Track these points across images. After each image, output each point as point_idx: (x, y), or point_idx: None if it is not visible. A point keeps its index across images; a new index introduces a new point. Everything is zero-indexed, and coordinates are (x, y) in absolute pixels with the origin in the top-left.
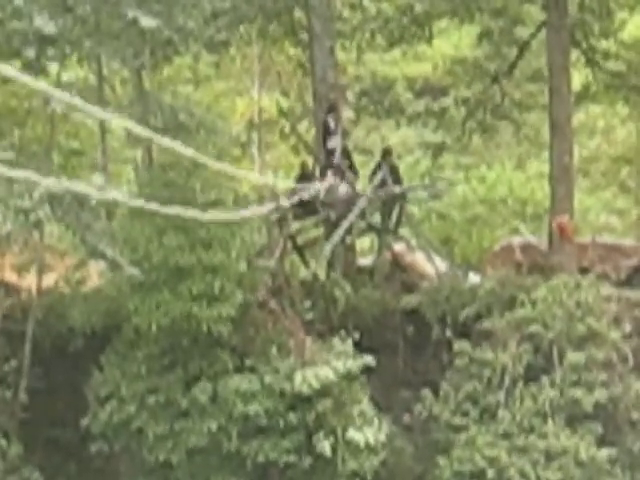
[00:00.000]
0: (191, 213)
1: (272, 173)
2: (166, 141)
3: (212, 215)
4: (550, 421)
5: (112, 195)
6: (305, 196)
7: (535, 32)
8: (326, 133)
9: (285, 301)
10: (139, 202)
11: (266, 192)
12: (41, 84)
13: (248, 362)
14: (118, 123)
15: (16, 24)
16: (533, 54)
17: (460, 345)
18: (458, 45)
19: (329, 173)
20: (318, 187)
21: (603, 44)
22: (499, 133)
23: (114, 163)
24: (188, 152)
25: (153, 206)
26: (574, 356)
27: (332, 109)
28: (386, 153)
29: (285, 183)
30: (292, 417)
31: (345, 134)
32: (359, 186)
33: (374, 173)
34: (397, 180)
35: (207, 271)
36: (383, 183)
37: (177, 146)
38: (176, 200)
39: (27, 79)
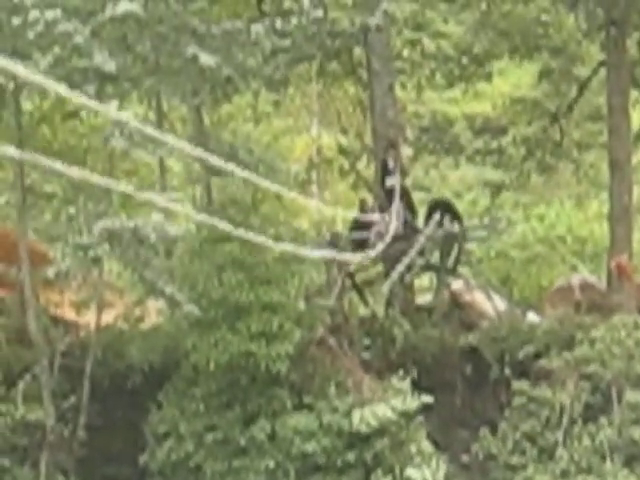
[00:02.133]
0: (262, 239)
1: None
2: (228, 166)
3: (284, 246)
4: (608, 461)
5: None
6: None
7: (594, 71)
8: (385, 172)
9: (343, 339)
10: (206, 217)
11: (325, 229)
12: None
13: (306, 400)
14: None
15: (76, 62)
16: (592, 93)
17: (518, 384)
18: (518, 84)
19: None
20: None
21: None
22: (558, 172)
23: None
24: (253, 177)
25: (224, 225)
26: (633, 396)
27: (391, 147)
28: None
29: (346, 213)
30: (350, 455)
31: (404, 173)
32: (418, 224)
33: (430, 213)
34: (456, 219)
35: (266, 309)
36: (441, 222)
37: (241, 172)
38: (234, 238)
39: (99, 106)
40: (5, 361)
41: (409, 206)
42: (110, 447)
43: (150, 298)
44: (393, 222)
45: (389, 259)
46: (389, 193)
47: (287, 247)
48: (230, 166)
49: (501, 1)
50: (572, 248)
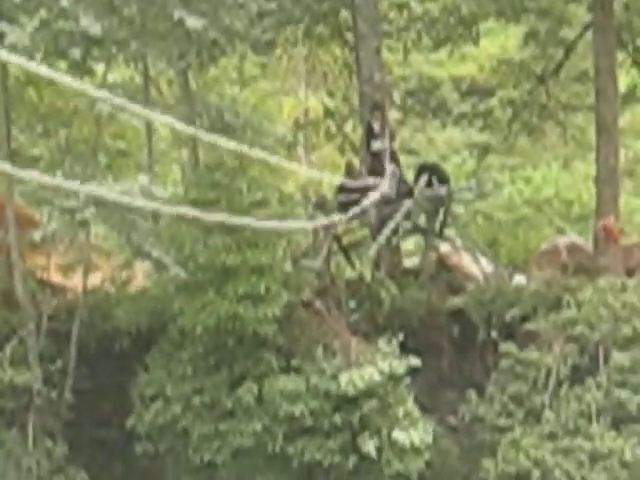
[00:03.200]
0: (247, 221)
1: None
2: (213, 138)
3: (264, 223)
4: (595, 423)
5: (152, 205)
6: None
7: (581, 33)
8: (370, 135)
9: (331, 302)
10: (185, 209)
11: (312, 192)
12: (87, 85)
13: (293, 363)
14: (164, 123)
15: (62, 25)
16: (579, 55)
17: (505, 346)
18: (504, 46)
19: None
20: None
21: None
22: (545, 134)
23: (160, 164)
24: (236, 146)
25: (204, 215)
26: (620, 357)
27: (376, 110)
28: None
29: (333, 178)
30: (337, 418)
31: (393, 136)
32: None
33: (418, 175)
34: (443, 181)
35: (253, 271)
36: (429, 184)
37: (227, 143)
38: (222, 200)
39: (68, 80)
40: None
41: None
42: (97, 410)
43: (137, 261)
44: (385, 185)
45: (377, 221)
46: (375, 156)
47: (273, 225)
48: (213, 137)
49: None
50: (559, 210)
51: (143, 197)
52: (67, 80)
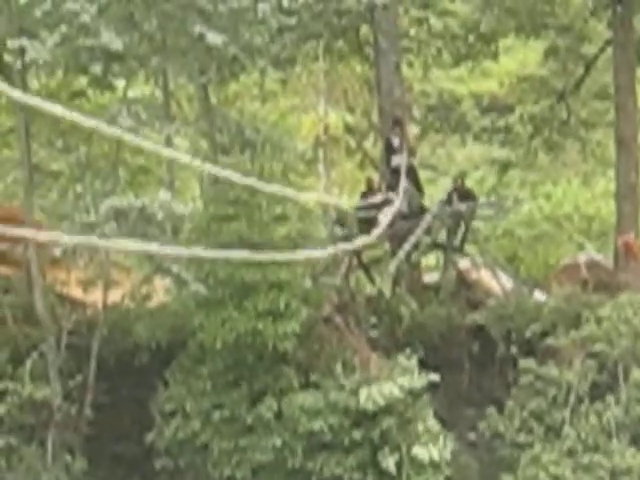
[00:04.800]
0: (272, 255)
1: (338, 189)
2: (217, 170)
3: (289, 255)
4: (615, 439)
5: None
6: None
7: (601, 49)
8: (390, 151)
9: (350, 318)
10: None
11: (331, 208)
12: (103, 125)
13: (313, 378)
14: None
15: (83, 40)
16: (599, 71)
17: (525, 362)
18: (524, 62)
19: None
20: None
21: None
22: (565, 150)
23: (180, 180)
24: (244, 179)
25: (215, 253)
26: (639, 374)
27: (396, 126)
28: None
29: (349, 201)
30: (357, 434)
31: (412, 151)
32: (426, 203)
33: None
34: (466, 198)
35: (272, 287)
36: (449, 200)
37: (240, 179)
38: (241, 216)
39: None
40: (12, 339)
41: (416, 185)
42: (117, 426)
43: (157, 277)
44: (400, 200)
45: (396, 237)
46: (395, 172)
47: (299, 255)
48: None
49: None
50: (579, 226)
51: (163, 213)
52: (86, 121)
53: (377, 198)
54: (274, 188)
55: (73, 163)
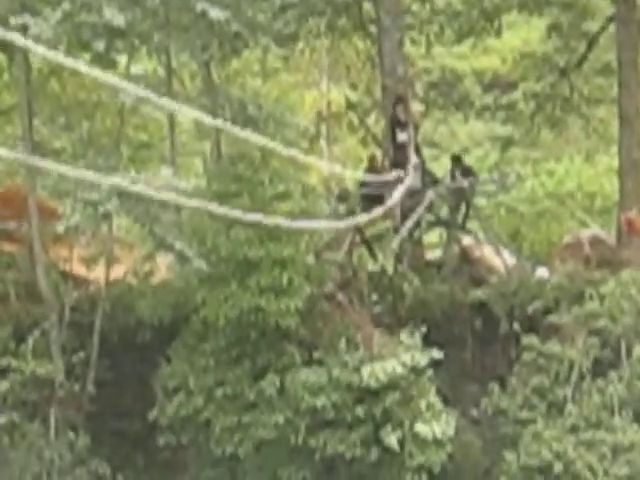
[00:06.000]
0: (275, 220)
1: (340, 166)
2: (236, 130)
3: (293, 223)
4: (617, 415)
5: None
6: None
7: (604, 26)
8: (396, 126)
9: (353, 294)
10: (213, 206)
11: (334, 184)
12: (110, 76)
13: (316, 355)
14: (187, 115)
15: (85, 17)
16: (602, 48)
17: (528, 339)
18: (527, 39)
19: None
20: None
21: None
22: (568, 127)
23: (183, 156)
24: (260, 140)
25: (232, 212)
26: None
27: (400, 102)
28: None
29: (354, 174)
30: (359, 410)
31: (416, 128)
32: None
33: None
34: (467, 174)
35: (275, 264)
36: (452, 177)
37: (249, 135)
38: (244, 193)
39: (97, 72)
40: (15, 316)
41: (420, 161)
42: (119, 402)
43: (159, 253)
44: (410, 177)
45: (399, 214)
46: (399, 147)
47: (301, 224)
48: (235, 129)
49: None
50: (581, 203)
51: (165, 189)
52: (90, 70)
53: (390, 175)
54: (292, 152)
55: (75, 140)
